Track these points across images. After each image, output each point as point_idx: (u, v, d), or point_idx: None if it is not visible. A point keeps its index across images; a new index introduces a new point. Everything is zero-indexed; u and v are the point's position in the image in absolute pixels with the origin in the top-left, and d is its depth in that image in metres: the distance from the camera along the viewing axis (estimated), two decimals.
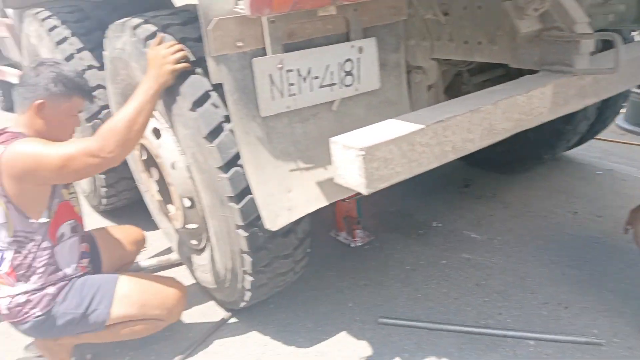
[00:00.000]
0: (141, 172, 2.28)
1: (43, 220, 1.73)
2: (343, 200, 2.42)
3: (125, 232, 2.29)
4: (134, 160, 2.35)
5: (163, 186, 2.25)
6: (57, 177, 1.66)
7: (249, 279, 1.82)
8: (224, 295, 2.11)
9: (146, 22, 1.71)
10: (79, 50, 2.50)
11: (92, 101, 1.87)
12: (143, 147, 2.10)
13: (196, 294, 2.32)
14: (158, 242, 2.68)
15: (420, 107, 1.85)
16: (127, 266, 2.33)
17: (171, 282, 2.05)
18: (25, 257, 1.74)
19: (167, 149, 1.86)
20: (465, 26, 1.60)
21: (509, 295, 2.22)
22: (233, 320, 2.20)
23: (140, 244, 2.34)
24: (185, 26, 1.65)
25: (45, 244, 1.75)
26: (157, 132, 1.89)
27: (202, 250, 2.11)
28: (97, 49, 2.51)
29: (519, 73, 1.57)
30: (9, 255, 1.73)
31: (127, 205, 2.99)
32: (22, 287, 1.76)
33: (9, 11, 3.27)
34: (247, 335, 2.11)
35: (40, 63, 1.75)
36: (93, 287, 1.83)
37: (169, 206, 2.15)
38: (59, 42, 2.49)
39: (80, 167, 1.60)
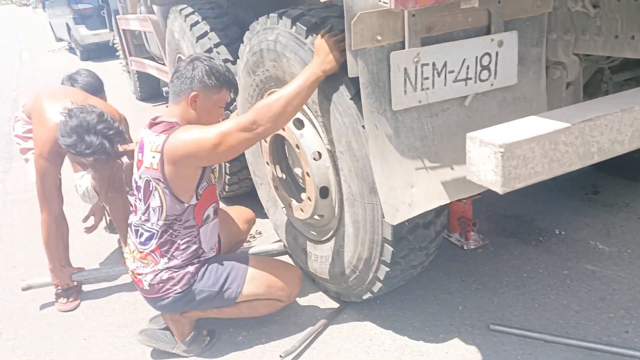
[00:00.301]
0: (265, 163, 2.39)
1: (192, 202, 1.89)
2: (462, 200, 2.36)
3: (237, 212, 2.46)
4: (258, 153, 2.46)
5: (286, 178, 2.38)
6: (213, 156, 1.79)
7: (385, 269, 1.85)
8: (343, 287, 2.15)
9: (304, 14, 1.79)
10: (217, 45, 2.69)
11: (237, 94, 2.01)
12: (278, 138, 2.20)
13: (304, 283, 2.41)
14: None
15: (557, 105, 1.76)
16: (240, 244, 2.50)
17: (290, 266, 2.19)
18: (172, 235, 1.90)
19: (310, 139, 1.93)
20: (617, 19, 1.48)
21: (638, 313, 2.04)
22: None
23: (251, 223, 2.51)
24: (344, 18, 1.70)
25: (190, 223, 1.91)
26: (299, 123, 1.97)
27: (325, 241, 2.17)
28: (232, 44, 2.70)
29: None
30: (157, 234, 1.91)
31: (245, 193, 3.16)
32: (166, 263, 1.92)
33: (155, 8, 3.59)
34: (353, 327, 2.15)
35: (195, 58, 1.92)
36: (227, 267, 1.98)
37: (302, 195, 2.23)
38: (200, 37, 2.70)
39: (235, 143, 1.71)
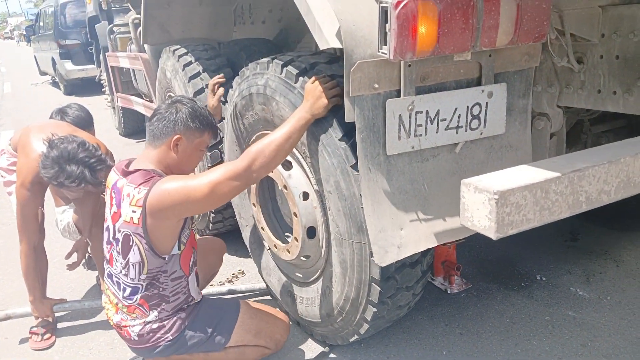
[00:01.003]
0: (252, 204, 2.39)
1: (175, 252, 1.83)
2: (448, 244, 2.40)
3: (209, 244, 2.42)
4: (244, 194, 2.47)
5: (272, 219, 2.38)
6: (205, 205, 1.75)
7: (372, 309, 1.84)
8: (330, 330, 2.13)
9: (294, 60, 1.85)
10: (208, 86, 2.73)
11: (216, 138, 2.00)
12: (265, 179, 2.22)
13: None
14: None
15: (541, 154, 1.83)
16: (214, 275, 2.47)
17: (279, 313, 2.17)
18: (159, 288, 1.84)
19: (298, 179, 1.96)
20: (600, 75, 1.58)
21: None
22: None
23: (223, 251, 2.49)
24: (332, 64, 1.77)
25: (178, 274, 1.86)
26: (287, 164, 2.00)
27: (311, 282, 2.16)
28: (224, 84, 2.74)
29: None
30: (142, 288, 1.84)
31: (228, 232, 3.14)
32: (156, 316, 1.86)
33: (146, 47, 3.65)
34: None
35: (177, 100, 1.89)
36: (218, 312, 1.96)
37: (288, 237, 2.24)
38: (192, 77, 2.75)
39: (226, 191, 1.67)
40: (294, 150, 1.95)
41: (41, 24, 11.83)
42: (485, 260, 2.90)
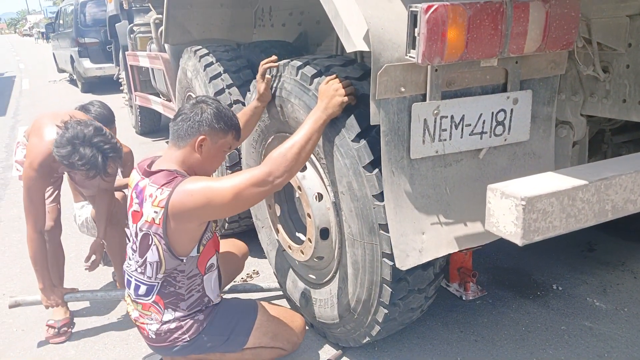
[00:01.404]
0: (267, 206, 2.41)
1: (194, 254, 1.83)
2: (466, 250, 2.39)
3: (233, 246, 2.43)
4: None
5: (287, 220, 2.39)
6: (227, 210, 1.75)
7: (384, 311, 1.85)
8: (342, 331, 2.13)
9: (309, 63, 1.87)
10: (229, 86, 2.75)
11: (239, 139, 1.98)
12: None
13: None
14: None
15: (563, 162, 1.83)
16: (232, 280, 2.48)
17: (296, 315, 2.18)
18: (175, 287, 1.85)
19: (312, 180, 1.97)
20: (626, 84, 1.57)
21: None
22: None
23: (246, 256, 2.50)
24: (346, 67, 1.79)
25: (193, 273, 1.86)
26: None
27: (324, 284, 2.17)
28: (244, 85, 2.77)
29: None
30: (157, 287, 1.85)
31: (243, 232, 3.15)
32: (171, 314, 1.87)
33: (167, 47, 3.69)
34: None
35: (202, 100, 1.86)
36: (236, 314, 1.96)
37: (300, 237, 2.25)
38: (213, 78, 2.77)
39: (250, 197, 1.66)
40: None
41: (61, 22, 12.01)
42: (500, 268, 2.89)
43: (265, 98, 2.09)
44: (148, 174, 1.81)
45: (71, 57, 10.83)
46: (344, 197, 1.79)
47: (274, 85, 2.04)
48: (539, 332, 2.34)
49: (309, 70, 1.84)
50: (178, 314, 1.87)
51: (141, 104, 5.50)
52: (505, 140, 1.60)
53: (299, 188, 2.00)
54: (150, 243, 1.78)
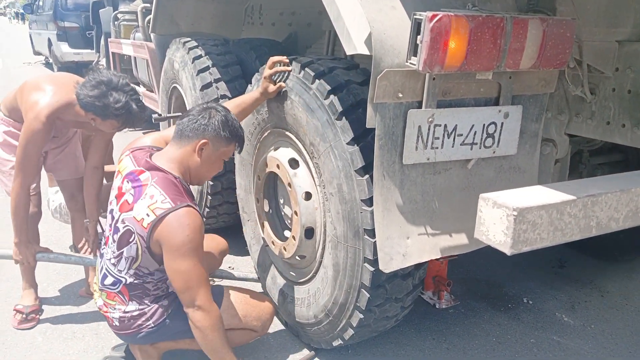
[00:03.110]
0: (255, 200, 2.40)
1: None
2: (447, 258, 2.42)
3: (213, 242, 2.40)
4: (249, 189, 2.47)
5: (273, 216, 2.38)
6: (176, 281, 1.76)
7: (359, 316, 1.85)
8: (315, 332, 2.14)
9: (313, 62, 1.88)
10: (217, 80, 2.72)
11: (241, 150, 1.99)
12: (271, 175, 2.22)
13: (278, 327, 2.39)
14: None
15: (544, 179, 1.88)
16: (212, 272, 2.43)
17: (264, 297, 2.18)
18: (142, 281, 1.83)
19: (302, 178, 1.97)
20: (611, 107, 1.63)
21: None
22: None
23: (225, 252, 2.46)
24: (349, 70, 1.81)
25: (165, 278, 1.84)
26: (295, 163, 2.02)
27: (303, 283, 2.17)
28: (232, 81, 2.75)
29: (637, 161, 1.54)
30: (125, 281, 1.83)
31: (220, 228, 3.12)
32: (135, 306, 1.85)
33: (153, 36, 3.63)
34: None
35: (211, 106, 1.87)
36: None
37: (287, 234, 2.24)
38: (201, 71, 2.74)
39: (203, 325, 1.75)
40: (303, 149, 1.97)
41: (40, 3, 11.68)
42: (474, 280, 2.94)
43: (269, 95, 2.09)
44: (149, 167, 1.80)
45: (49, 39, 10.56)
46: (332, 198, 1.80)
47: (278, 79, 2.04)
48: (509, 343, 2.39)
49: (313, 69, 1.84)
50: (142, 306, 1.86)
51: None
52: (494, 152, 1.64)
53: (289, 185, 2.00)
54: (131, 240, 1.76)
